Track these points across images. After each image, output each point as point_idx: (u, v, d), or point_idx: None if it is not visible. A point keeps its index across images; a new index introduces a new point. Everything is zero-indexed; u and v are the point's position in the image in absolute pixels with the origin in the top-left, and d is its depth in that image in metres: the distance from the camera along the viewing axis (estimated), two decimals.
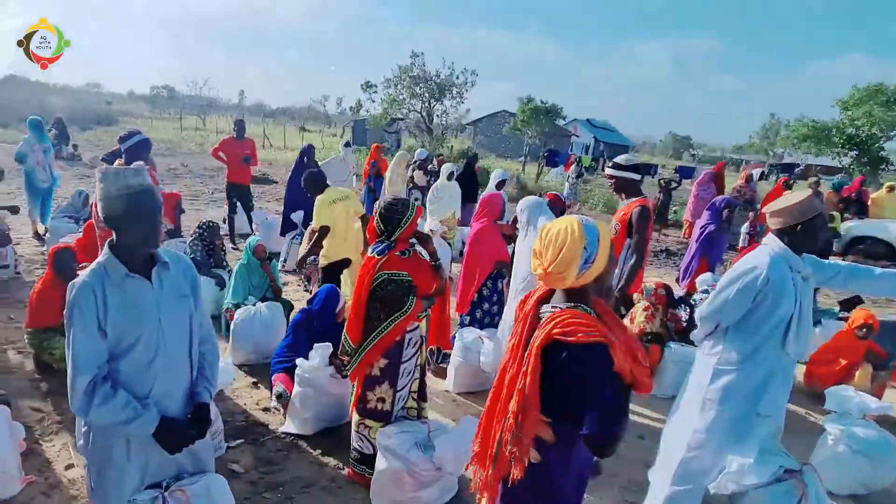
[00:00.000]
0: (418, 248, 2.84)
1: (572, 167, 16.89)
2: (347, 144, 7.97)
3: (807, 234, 2.37)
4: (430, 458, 2.62)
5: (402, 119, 23.20)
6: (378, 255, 2.65)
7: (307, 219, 6.23)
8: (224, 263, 5.17)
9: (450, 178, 7.03)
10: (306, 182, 4.43)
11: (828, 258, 2.93)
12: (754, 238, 8.01)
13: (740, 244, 8.33)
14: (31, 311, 3.69)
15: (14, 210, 5.44)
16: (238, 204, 7.35)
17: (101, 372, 1.69)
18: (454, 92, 22.62)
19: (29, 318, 3.70)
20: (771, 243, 2.46)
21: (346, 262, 4.41)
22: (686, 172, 24.10)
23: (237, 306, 4.26)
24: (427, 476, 2.63)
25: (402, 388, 2.83)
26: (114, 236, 1.75)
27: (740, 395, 2.47)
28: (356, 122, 24.59)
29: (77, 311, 1.66)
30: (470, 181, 8.51)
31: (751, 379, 2.46)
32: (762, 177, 11.24)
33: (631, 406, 1.84)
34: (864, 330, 4.51)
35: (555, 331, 1.47)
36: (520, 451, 1.57)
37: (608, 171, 3.80)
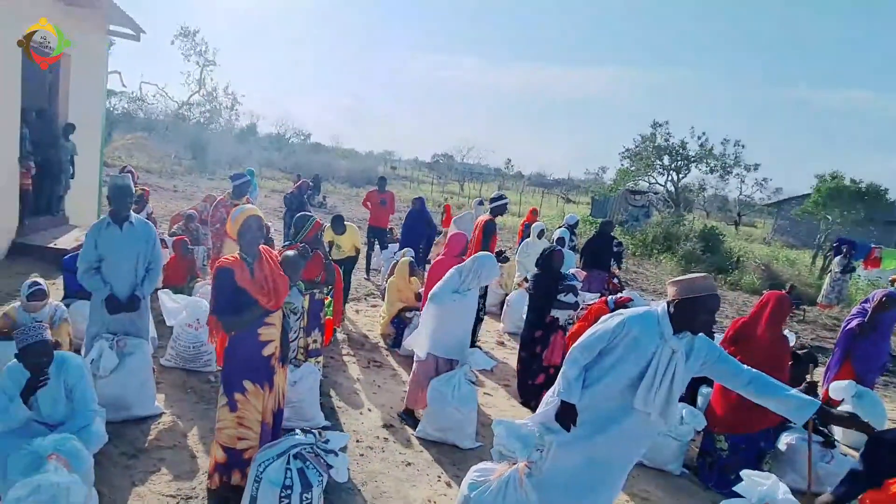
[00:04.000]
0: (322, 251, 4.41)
1: (836, 259, 14.53)
2: (480, 203, 9.52)
3: (683, 311, 2.55)
4: None
5: (645, 192, 23.27)
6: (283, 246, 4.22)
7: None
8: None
9: (539, 236, 7.94)
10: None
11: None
12: None
13: None
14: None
15: None
16: (376, 243, 9.66)
17: (91, 266, 3.82)
18: (712, 165, 21.97)
19: None
20: (659, 305, 2.69)
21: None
22: None
23: None
24: None
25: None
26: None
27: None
28: (595, 193, 25.69)
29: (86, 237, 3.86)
30: (604, 249, 8.97)
31: (586, 406, 2.73)
32: None
33: None
34: None
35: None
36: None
37: None
